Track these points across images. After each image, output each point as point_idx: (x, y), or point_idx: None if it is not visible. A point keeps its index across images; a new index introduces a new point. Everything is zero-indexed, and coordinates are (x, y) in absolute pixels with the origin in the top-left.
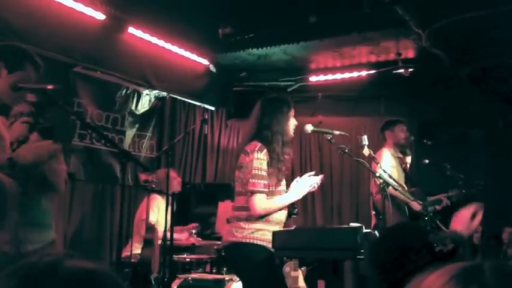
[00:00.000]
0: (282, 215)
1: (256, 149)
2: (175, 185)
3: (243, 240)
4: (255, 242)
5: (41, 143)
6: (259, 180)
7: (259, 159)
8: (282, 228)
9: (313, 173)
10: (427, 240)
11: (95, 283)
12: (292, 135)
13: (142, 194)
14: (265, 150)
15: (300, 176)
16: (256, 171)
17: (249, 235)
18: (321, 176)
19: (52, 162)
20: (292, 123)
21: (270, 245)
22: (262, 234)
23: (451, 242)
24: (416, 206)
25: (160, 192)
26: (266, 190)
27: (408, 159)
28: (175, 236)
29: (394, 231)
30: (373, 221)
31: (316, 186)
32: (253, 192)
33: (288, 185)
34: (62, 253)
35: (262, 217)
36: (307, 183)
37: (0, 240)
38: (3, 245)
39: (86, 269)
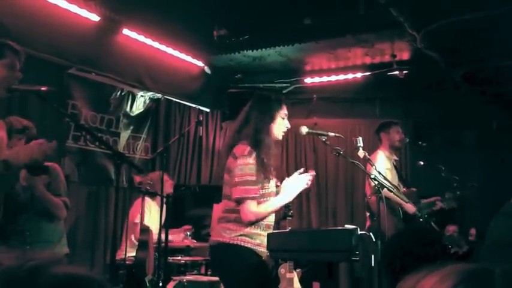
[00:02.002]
0: (272, 218)
1: (246, 153)
2: (168, 187)
3: (231, 242)
4: (243, 244)
5: (35, 142)
6: (250, 186)
7: (249, 164)
8: (273, 231)
9: (302, 170)
10: (442, 243)
11: None
12: (281, 135)
13: (136, 196)
14: (254, 154)
15: (288, 176)
16: (248, 177)
17: (238, 237)
18: (312, 173)
19: (50, 194)
20: (283, 124)
21: (258, 248)
22: (251, 237)
23: (466, 244)
24: (410, 208)
25: (154, 194)
26: (257, 196)
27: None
28: (169, 237)
29: (406, 237)
30: (368, 223)
31: (309, 183)
32: (244, 199)
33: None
34: (47, 258)
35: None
36: (298, 182)
37: (8, 258)
38: (10, 262)
39: (70, 275)
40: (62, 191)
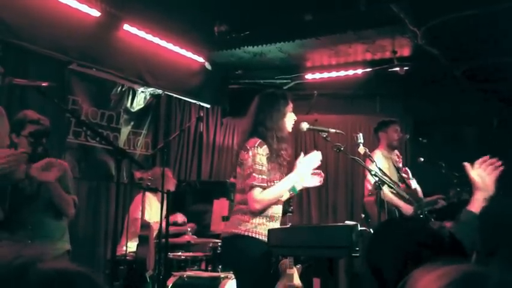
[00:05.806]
0: (278, 209)
1: (256, 144)
2: (170, 185)
3: (246, 234)
4: (257, 236)
5: (3, 151)
6: (258, 175)
7: (259, 154)
8: (277, 222)
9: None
10: (435, 234)
11: (69, 284)
12: (289, 130)
13: (137, 192)
14: (265, 146)
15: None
16: (257, 166)
17: (252, 229)
18: (321, 175)
19: (60, 188)
20: (290, 118)
21: (265, 239)
22: (264, 229)
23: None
24: (407, 209)
25: (155, 190)
26: (264, 185)
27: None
28: (172, 218)
29: (395, 236)
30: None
31: (321, 180)
32: (251, 187)
33: None
34: (35, 255)
35: (263, 211)
36: (312, 160)
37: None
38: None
39: (58, 270)
40: (70, 188)
